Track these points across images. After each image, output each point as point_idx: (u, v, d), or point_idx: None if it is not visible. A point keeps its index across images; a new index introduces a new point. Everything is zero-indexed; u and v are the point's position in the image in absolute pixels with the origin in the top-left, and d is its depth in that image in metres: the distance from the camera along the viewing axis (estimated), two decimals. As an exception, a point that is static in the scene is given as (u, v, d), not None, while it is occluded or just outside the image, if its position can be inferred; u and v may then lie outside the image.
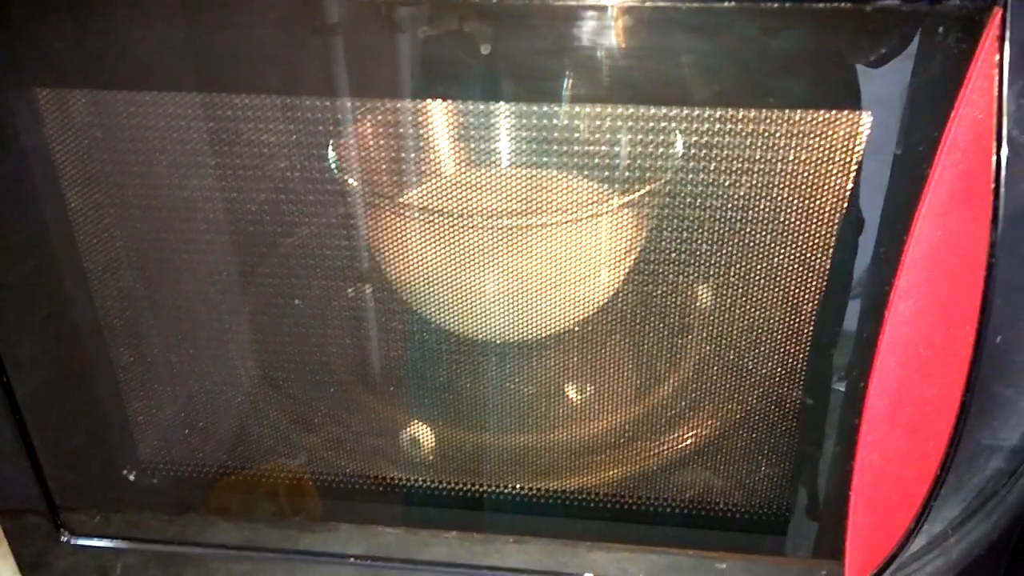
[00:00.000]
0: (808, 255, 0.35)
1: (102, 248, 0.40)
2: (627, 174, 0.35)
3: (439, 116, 0.37)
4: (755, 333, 0.38)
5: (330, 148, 0.38)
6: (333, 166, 0.38)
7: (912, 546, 0.38)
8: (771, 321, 0.37)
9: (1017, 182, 0.30)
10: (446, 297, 0.40)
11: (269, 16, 0.32)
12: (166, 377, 0.44)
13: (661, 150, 0.33)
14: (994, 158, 0.30)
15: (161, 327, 0.43)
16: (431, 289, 0.40)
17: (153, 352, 0.43)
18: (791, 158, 0.33)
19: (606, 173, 0.35)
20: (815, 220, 0.34)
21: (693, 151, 0.33)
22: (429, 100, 0.35)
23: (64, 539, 0.46)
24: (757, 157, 0.33)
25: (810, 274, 0.35)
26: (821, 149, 0.32)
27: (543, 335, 0.41)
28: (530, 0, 0.30)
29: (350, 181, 0.39)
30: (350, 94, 0.34)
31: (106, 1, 0.32)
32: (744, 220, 0.35)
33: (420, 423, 0.43)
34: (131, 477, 0.45)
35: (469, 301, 0.40)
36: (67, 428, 0.43)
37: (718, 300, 0.38)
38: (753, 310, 0.38)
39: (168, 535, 0.46)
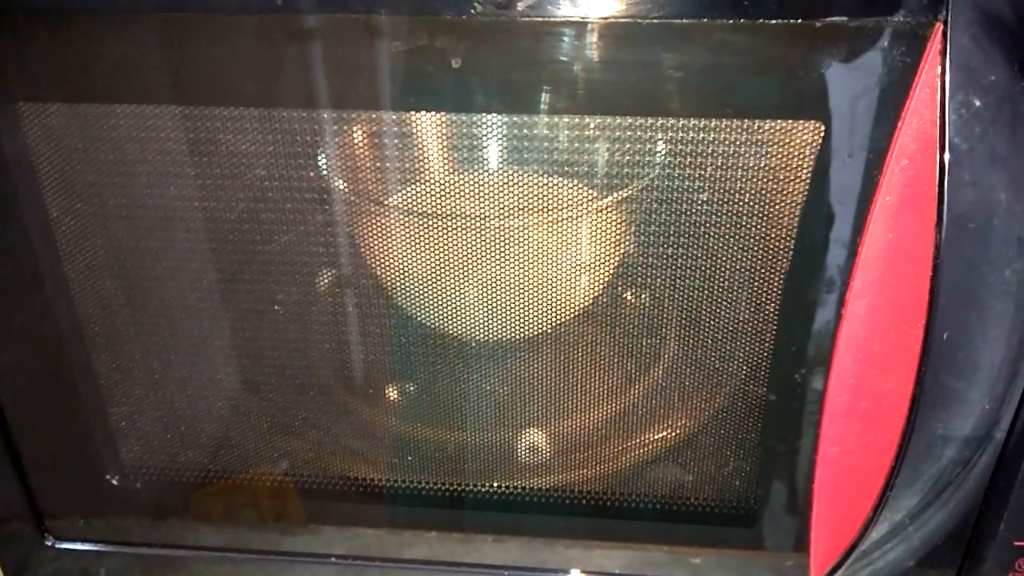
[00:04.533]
0: (770, 257, 0.36)
1: (83, 255, 0.40)
2: (596, 181, 0.36)
3: (417, 126, 0.38)
4: (723, 332, 0.39)
5: (320, 156, 0.39)
6: (324, 173, 0.39)
7: (873, 535, 0.39)
8: (737, 321, 0.38)
9: (960, 187, 0.31)
10: (427, 298, 0.41)
11: (245, 29, 0.32)
12: (148, 383, 0.44)
13: (628, 158, 0.35)
14: (938, 165, 0.31)
15: (142, 333, 0.43)
16: (411, 290, 0.41)
17: (134, 358, 0.44)
18: (751, 165, 0.34)
19: (576, 180, 0.36)
20: (776, 224, 0.35)
21: (659, 159, 0.35)
22: (405, 112, 0.36)
23: (48, 544, 0.46)
24: (719, 164, 0.34)
25: (772, 275, 0.36)
26: (779, 157, 0.33)
27: (522, 336, 0.42)
28: (496, 17, 0.31)
29: (339, 186, 0.40)
30: (327, 105, 0.34)
31: (84, 14, 0.33)
32: (709, 224, 0.36)
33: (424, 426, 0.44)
34: (114, 482, 0.45)
35: (450, 302, 0.40)
36: (50, 434, 0.43)
37: (688, 301, 0.39)
38: (721, 310, 0.39)
39: (151, 538, 0.46)
